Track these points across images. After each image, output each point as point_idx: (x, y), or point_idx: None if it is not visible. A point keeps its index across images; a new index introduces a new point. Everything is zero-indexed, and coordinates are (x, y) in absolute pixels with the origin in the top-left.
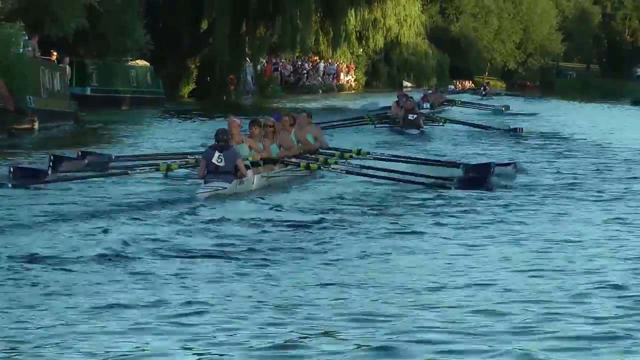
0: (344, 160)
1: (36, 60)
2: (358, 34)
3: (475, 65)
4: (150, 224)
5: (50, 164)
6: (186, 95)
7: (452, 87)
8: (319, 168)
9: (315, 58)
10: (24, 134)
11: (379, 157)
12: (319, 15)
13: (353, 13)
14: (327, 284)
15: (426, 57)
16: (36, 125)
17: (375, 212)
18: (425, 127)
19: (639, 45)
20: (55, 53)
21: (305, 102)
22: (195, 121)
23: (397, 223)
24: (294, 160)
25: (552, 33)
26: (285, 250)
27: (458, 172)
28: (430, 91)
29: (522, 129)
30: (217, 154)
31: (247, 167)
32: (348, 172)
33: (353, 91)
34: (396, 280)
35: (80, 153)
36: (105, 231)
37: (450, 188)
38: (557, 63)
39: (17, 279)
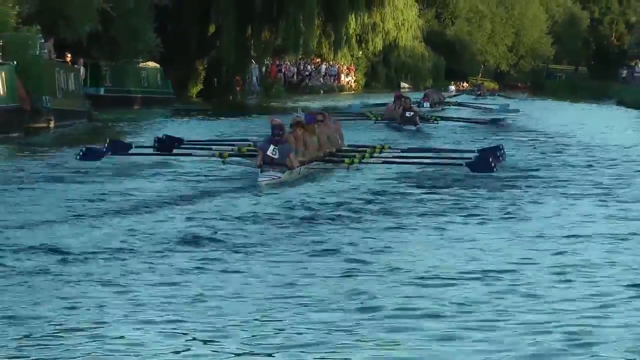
0: (376, 155)
1: (52, 62)
2: (358, 37)
3: (469, 67)
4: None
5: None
6: (194, 95)
7: (452, 88)
8: (359, 162)
9: (317, 60)
10: (40, 131)
11: (402, 150)
12: (321, 19)
13: (353, 17)
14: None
15: (423, 60)
16: (52, 124)
17: (405, 202)
18: (420, 124)
19: (625, 48)
20: (69, 55)
21: (308, 102)
22: (202, 119)
23: (430, 212)
24: (333, 155)
25: (543, 37)
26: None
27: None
28: (429, 91)
29: (503, 120)
30: (272, 147)
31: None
32: (385, 162)
33: (353, 92)
34: (428, 268)
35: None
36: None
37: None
38: (547, 65)
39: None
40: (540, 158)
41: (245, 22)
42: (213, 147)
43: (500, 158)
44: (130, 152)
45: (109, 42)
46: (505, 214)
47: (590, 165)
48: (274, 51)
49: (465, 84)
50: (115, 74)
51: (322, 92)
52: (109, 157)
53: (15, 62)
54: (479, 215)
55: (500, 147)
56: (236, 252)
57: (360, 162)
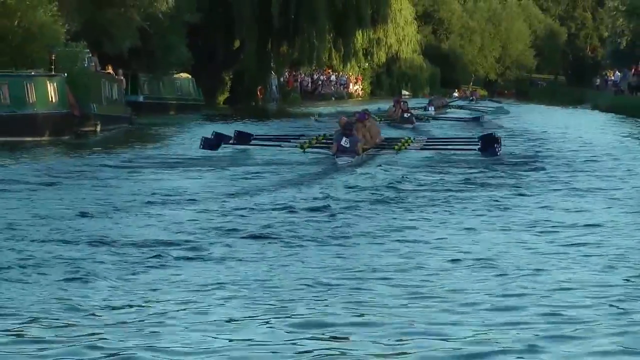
0: (412, 144)
1: (97, 73)
2: (364, 51)
3: (462, 76)
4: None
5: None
6: (221, 102)
7: (456, 94)
8: (405, 148)
9: (329, 71)
10: (88, 134)
11: (426, 140)
12: (331, 35)
13: (360, 33)
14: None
15: (421, 70)
16: (98, 128)
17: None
18: (416, 123)
19: (599, 59)
20: (112, 67)
21: (321, 107)
22: (229, 123)
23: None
24: (383, 144)
25: (526, 49)
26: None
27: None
28: (434, 97)
29: (483, 117)
30: (344, 138)
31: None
32: (422, 149)
33: (360, 98)
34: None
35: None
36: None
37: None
38: (530, 74)
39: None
40: (537, 151)
41: (266, 38)
42: (282, 141)
43: (499, 147)
44: (251, 142)
45: (147, 56)
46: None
47: (574, 155)
48: (291, 63)
49: (468, 91)
50: (152, 84)
51: (333, 99)
52: (227, 146)
53: (65, 74)
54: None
55: (496, 136)
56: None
57: (406, 149)
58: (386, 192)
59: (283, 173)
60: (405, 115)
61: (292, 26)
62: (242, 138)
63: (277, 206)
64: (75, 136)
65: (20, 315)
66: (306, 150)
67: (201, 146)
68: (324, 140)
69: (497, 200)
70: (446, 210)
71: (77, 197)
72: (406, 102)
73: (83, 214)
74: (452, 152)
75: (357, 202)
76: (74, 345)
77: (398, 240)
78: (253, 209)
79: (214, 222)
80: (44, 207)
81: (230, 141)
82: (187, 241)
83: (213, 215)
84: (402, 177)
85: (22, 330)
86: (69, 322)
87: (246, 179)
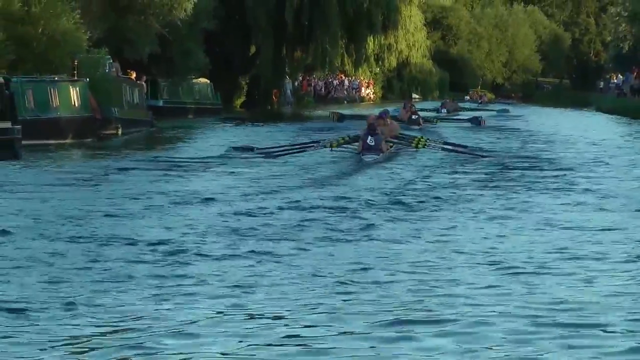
0: (430, 142)
1: (119, 78)
2: (376, 56)
3: (470, 80)
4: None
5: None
6: (238, 106)
7: (467, 97)
8: (423, 146)
9: (342, 75)
10: (110, 137)
11: (442, 142)
12: (344, 41)
13: (372, 39)
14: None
15: (430, 74)
16: (120, 131)
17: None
18: (423, 124)
19: (602, 63)
20: (133, 72)
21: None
22: (245, 127)
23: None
24: (403, 141)
25: (532, 54)
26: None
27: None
28: (446, 100)
29: (483, 120)
30: (370, 137)
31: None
32: (442, 149)
33: (372, 102)
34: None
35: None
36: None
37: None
38: (536, 78)
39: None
40: (545, 151)
41: (281, 44)
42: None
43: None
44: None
45: (166, 62)
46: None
47: (581, 156)
48: (305, 68)
49: (482, 94)
50: (172, 89)
51: (345, 102)
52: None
53: (87, 79)
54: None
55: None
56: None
57: (424, 147)
58: (405, 192)
59: (311, 171)
60: (413, 117)
61: (305, 32)
62: (266, 153)
63: (306, 205)
64: (97, 139)
65: (44, 313)
66: (334, 149)
67: (228, 152)
68: (349, 140)
69: (513, 200)
70: (465, 210)
71: (100, 197)
72: (414, 105)
73: (107, 214)
74: (468, 155)
75: (381, 201)
76: (102, 343)
77: (416, 239)
78: (281, 207)
79: (240, 222)
80: (68, 207)
81: (254, 153)
82: (211, 241)
83: (239, 215)
84: (424, 176)
85: (45, 327)
86: (92, 321)
87: (273, 178)
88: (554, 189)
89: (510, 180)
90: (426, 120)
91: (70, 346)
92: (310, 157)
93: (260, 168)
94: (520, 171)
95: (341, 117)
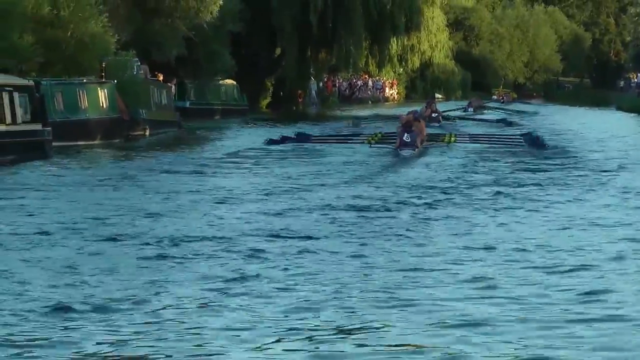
0: (459, 137)
1: (147, 80)
2: (399, 57)
3: (492, 80)
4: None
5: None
6: (264, 107)
7: (495, 97)
8: (454, 141)
9: (366, 76)
10: (138, 138)
11: (470, 135)
12: (367, 42)
13: (395, 40)
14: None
15: (453, 74)
16: (147, 132)
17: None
18: (442, 122)
19: (622, 63)
20: (161, 75)
21: (358, 111)
22: (271, 127)
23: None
24: (435, 137)
25: (553, 54)
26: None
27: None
28: (473, 100)
29: (508, 120)
30: (406, 134)
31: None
32: (471, 142)
33: (395, 102)
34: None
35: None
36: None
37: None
38: (557, 78)
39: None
40: (571, 148)
41: (305, 45)
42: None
43: (543, 143)
44: (311, 140)
45: (193, 64)
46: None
47: (607, 153)
48: (329, 69)
49: (507, 94)
50: (199, 90)
51: (370, 102)
52: (291, 144)
53: (115, 81)
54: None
55: (537, 135)
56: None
57: (455, 142)
58: (438, 188)
59: (352, 167)
60: (433, 115)
61: (330, 34)
62: (303, 138)
63: (342, 202)
64: (125, 140)
65: (77, 309)
66: (372, 144)
67: (266, 143)
68: (386, 136)
69: (544, 196)
70: (499, 205)
71: (131, 196)
72: (435, 104)
73: (139, 213)
74: (496, 146)
75: (415, 197)
76: (137, 337)
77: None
78: (318, 204)
79: (276, 219)
80: (101, 206)
81: (293, 141)
82: (245, 239)
83: (275, 212)
84: (462, 169)
85: (79, 323)
86: (134, 320)
87: (316, 172)
88: (589, 186)
89: (545, 179)
90: (445, 118)
91: (109, 345)
92: (350, 152)
93: (304, 163)
94: (551, 168)
95: (357, 122)
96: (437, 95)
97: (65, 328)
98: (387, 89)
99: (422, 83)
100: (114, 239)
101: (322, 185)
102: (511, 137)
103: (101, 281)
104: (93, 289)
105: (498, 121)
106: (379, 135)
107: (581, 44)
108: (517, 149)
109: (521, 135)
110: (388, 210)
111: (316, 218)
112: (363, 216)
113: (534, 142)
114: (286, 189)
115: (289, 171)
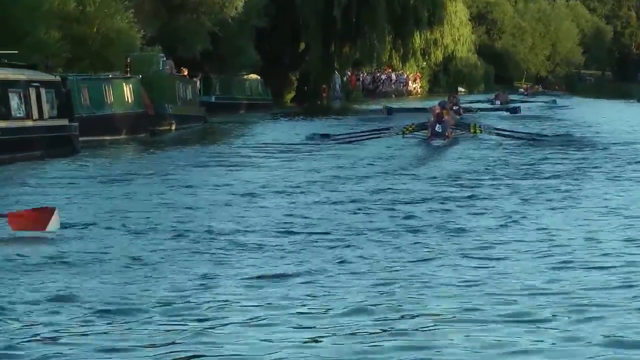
0: (485, 128)
1: (172, 76)
2: (422, 51)
3: (514, 73)
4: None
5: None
6: (289, 101)
7: (522, 90)
8: (480, 132)
9: (389, 70)
10: (164, 133)
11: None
12: (391, 36)
13: (418, 34)
14: None
15: (476, 68)
16: (173, 127)
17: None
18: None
19: None
20: (186, 70)
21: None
22: (296, 121)
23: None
24: (462, 127)
25: (574, 47)
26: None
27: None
28: (499, 93)
29: (519, 108)
30: (437, 125)
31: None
32: (497, 134)
33: (419, 95)
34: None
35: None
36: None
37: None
38: (578, 71)
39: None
40: (596, 139)
41: (329, 40)
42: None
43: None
44: (350, 139)
45: (218, 59)
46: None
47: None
48: (353, 63)
49: (536, 86)
50: (224, 85)
51: (393, 96)
52: (329, 143)
53: (140, 76)
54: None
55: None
56: None
57: (481, 132)
58: (473, 178)
59: (384, 159)
60: (454, 107)
61: (354, 29)
62: (339, 138)
63: (383, 195)
64: (150, 134)
65: (106, 303)
66: (406, 135)
67: (306, 139)
68: (418, 127)
69: (587, 188)
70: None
71: (159, 190)
72: (457, 97)
73: (171, 206)
74: (522, 140)
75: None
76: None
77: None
78: (357, 197)
79: (305, 213)
80: (131, 200)
81: (330, 140)
82: (292, 233)
83: (304, 205)
84: (489, 161)
85: (105, 319)
86: (153, 313)
87: (355, 164)
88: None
89: (570, 169)
90: (466, 110)
91: (149, 344)
92: (384, 143)
93: (342, 155)
94: (579, 158)
95: (390, 110)
96: (460, 89)
97: (85, 323)
98: (410, 83)
99: (445, 77)
100: (147, 233)
101: (361, 178)
102: (533, 132)
103: (133, 276)
104: (125, 285)
105: (508, 109)
106: (412, 126)
107: (602, 37)
108: (540, 140)
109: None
110: (431, 201)
111: (358, 209)
112: (404, 207)
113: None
114: (325, 182)
115: (326, 164)
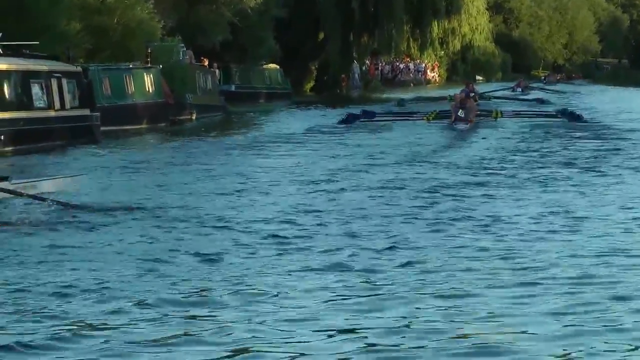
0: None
1: (192, 65)
2: (440, 40)
3: (532, 62)
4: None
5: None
6: (308, 91)
7: (544, 77)
8: (501, 117)
9: (407, 59)
10: (185, 122)
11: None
12: (409, 26)
13: (436, 23)
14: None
15: (493, 57)
16: (194, 116)
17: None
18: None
19: None
20: (206, 60)
21: (400, 93)
22: (316, 109)
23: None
24: (484, 112)
25: (591, 35)
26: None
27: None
28: (520, 80)
29: (542, 98)
30: (460, 110)
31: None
32: (515, 117)
33: (437, 84)
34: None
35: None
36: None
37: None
38: (595, 59)
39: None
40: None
41: (348, 30)
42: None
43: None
44: (375, 118)
45: (238, 49)
46: None
47: None
48: (372, 53)
49: (558, 76)
50: (243, 74)
51: (412, 85)
52: (361, 122)
53: (160, 66)
54: None
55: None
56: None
57: (502, 117)
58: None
59: (409, 145)
60: (471, 94)
61: (372, 19)
62: (368, 115)
63: (398, 182)
64: (170, 124)
65: (129, 296)
66: (430, 121)
67: (339, 122)
68: (442, 113)
69: (612, 172)
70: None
71: (184, 179)
72: (473, 85)
73: (194, 194)
74: (538, 120)
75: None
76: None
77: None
78: (385, 183)
79: (327, 201)
80: (149, 188)
81: (361, 119)
82: (298, 222)
83: (325, 193)
84: (512, 145)
85: (133, 311)
86: (178, 305)
87: (385, 148)
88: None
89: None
90: (481, 97)
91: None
92: (410, 129)
93: (367, 140)
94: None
95: (402, 102)
96: (478, 77)
97: (118, 311)
98: (428, 72)
99: (463, 65)
100: (171, 221)
101: (388, 164)
102: (550, 112)
103: (162, 267)
104: (147, 275)
105: (534, 100)
106: (435, 112)
107: (619, 25)
108: (558, 122)
109: (556, 111)
110: (458, 187)
111: (388, 196)
112: (433, 194)
113: (572, 116)
114: (358, 168)
115: (354, 149)
